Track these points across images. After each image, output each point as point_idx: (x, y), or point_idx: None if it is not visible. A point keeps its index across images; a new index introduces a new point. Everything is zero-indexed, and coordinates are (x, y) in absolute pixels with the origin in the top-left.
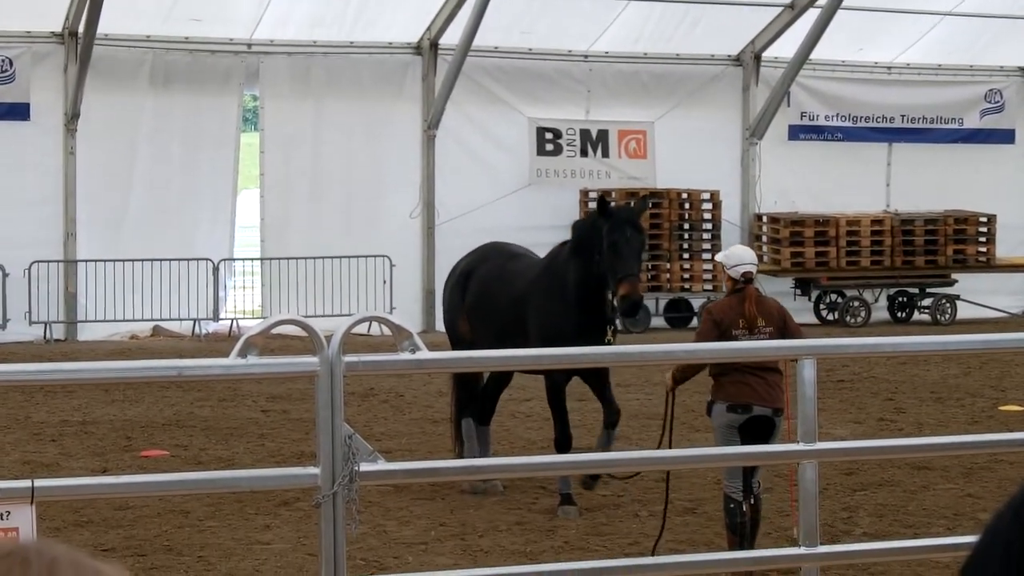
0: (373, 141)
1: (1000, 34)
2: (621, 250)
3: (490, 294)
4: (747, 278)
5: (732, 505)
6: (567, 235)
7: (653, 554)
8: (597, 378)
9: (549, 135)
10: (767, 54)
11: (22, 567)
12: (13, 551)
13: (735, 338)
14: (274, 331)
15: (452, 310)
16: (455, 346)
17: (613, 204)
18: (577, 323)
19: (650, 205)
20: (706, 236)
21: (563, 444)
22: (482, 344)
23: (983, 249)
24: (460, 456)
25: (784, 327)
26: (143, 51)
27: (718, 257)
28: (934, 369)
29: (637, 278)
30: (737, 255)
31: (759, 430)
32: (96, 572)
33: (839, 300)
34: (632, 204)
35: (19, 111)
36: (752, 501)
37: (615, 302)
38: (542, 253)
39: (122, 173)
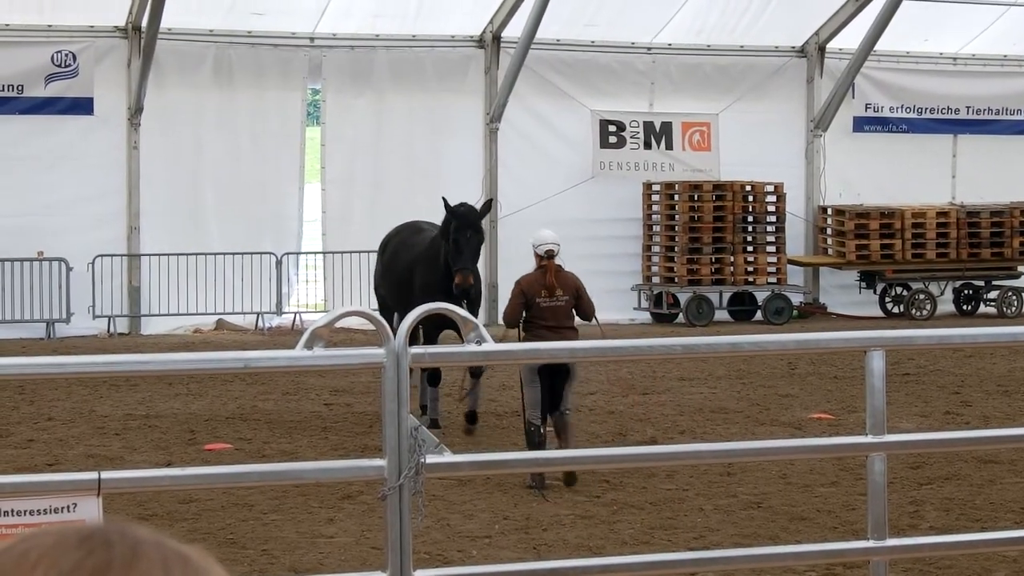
0: (435, 134)
1: None
2: (460, 247)
3: (395, 259)
4: (549, 254)
5: (532, 428)
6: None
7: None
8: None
9: (612, 128)
10: (831, 45)
11: (104, 549)
12: (94, 533)
13: (538, 304)
14: (338, 324)
15: (376, 273)
16: (379, 302)
17: (460, 206)
18: (444, 289)
19: (491, 207)
20: (770, 229)
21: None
22: (390, 296)
23: None
24: (422, 403)
25: (578, 296)
26: (206, 45)
27: (529, 240)
28: (1000, 362)
29: (469, 271)
30: (541, 236)
31: (557, 372)
32: (180, 555)
33: (904, 293)
34: (481, 207)
35: (83, 106)
36: (557, 415)
37: (453, 287)
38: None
39: (185, 167)
